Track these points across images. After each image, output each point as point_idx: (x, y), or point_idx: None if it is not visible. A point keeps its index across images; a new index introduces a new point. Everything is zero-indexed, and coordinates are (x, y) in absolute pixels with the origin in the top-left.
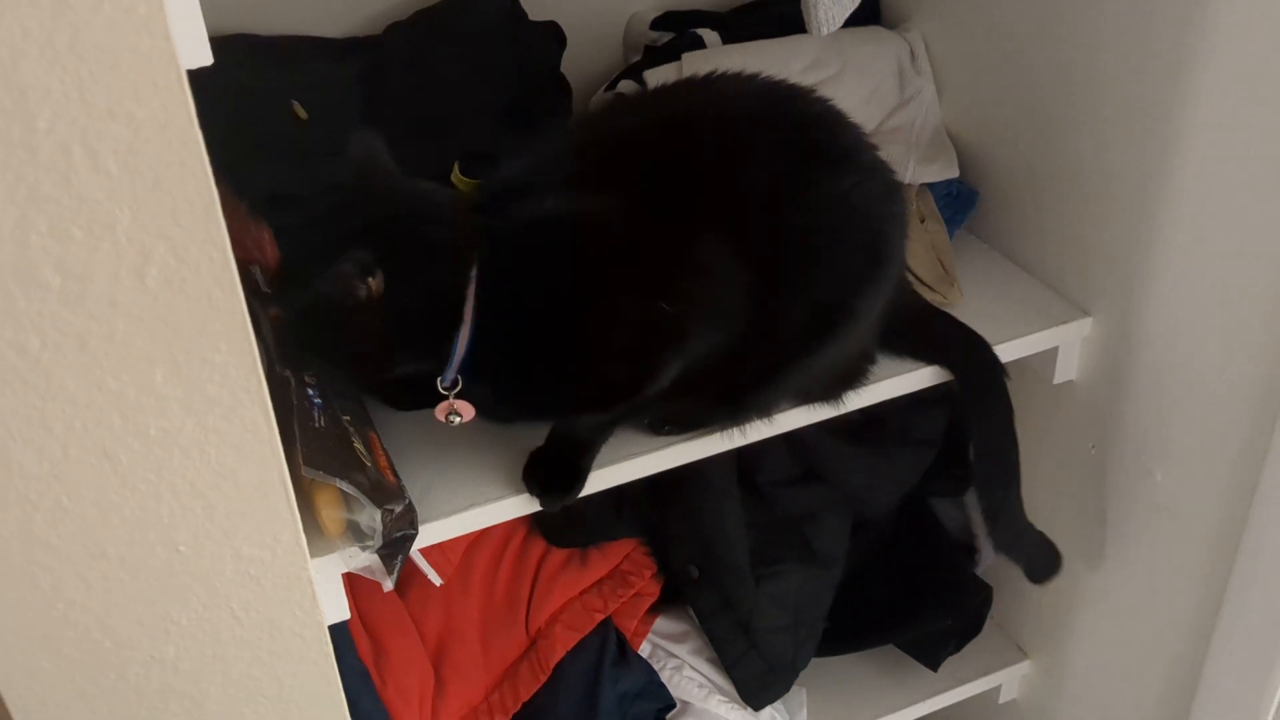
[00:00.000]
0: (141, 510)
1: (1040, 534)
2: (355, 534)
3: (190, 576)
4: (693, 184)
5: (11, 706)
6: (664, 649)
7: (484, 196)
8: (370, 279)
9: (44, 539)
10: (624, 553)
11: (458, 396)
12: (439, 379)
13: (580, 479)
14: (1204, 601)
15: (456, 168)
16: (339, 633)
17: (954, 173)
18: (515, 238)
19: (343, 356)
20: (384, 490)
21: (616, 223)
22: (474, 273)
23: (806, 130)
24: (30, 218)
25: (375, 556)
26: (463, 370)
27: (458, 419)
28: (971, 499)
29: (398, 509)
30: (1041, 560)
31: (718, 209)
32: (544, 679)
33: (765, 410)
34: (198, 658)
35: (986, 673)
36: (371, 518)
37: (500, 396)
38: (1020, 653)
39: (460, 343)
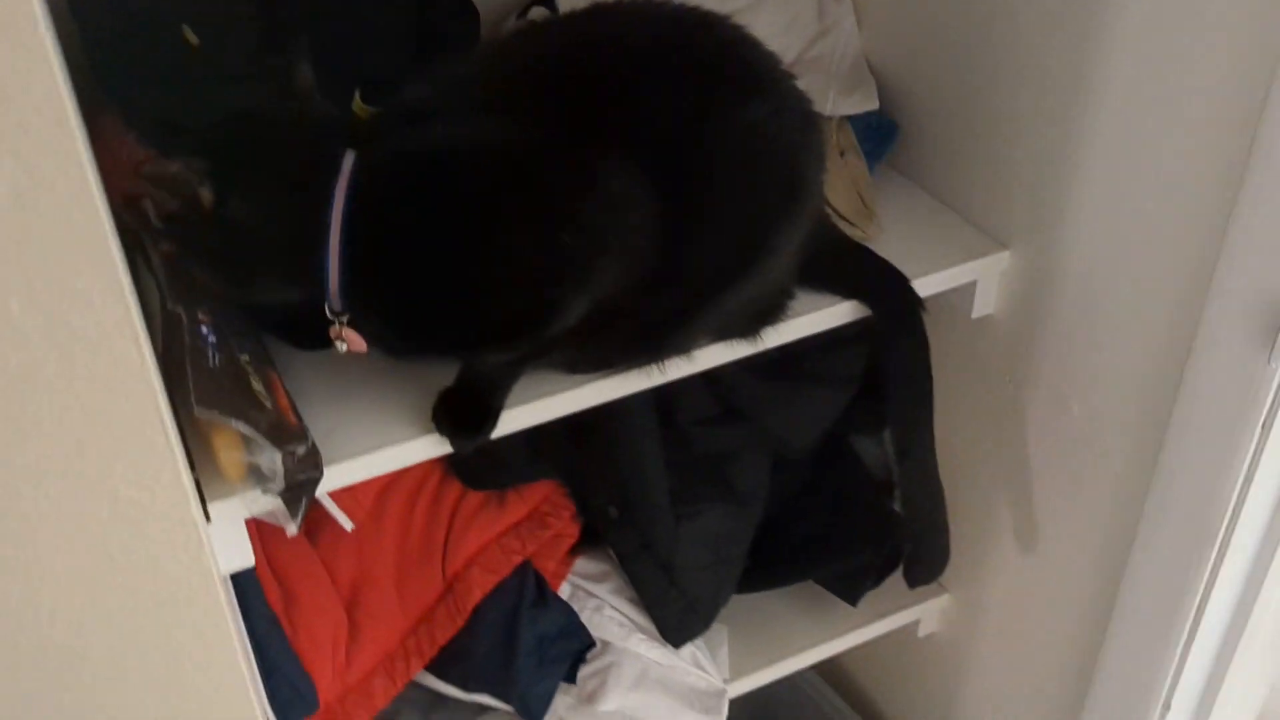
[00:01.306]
0: (4, 450)
1: (944, 517)
2: (256, 477)
3: (62, 521)
4: (600, 113)
5: None
6: (584, 589)
7: (381, 121)
8: (201, 189)
9: None
10: (542, 494)
11: (349, 326)
12: (326, 302)
13: (491, 419)
14: (1118, 532)
15: (358, 96)
16: (246, 579)
17: (874, 105)
18: (405, 158)
19: (210, 273)
20: (285, 431)
21: (518, 150)
22: (338, 194)
23: (720, 58)
24: None
25: (278, 500)
26: (347, 297)
27: (344, 345)
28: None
29: (300, 451)
30: (928, 555)
31: (626, 139)
32: (461, 622)
33: (683, 348)
34: (76, 606)
35: (905, 607)
36: (272, 460)
37: (393, 329)
38: (939, 587)
39: (331, 267)
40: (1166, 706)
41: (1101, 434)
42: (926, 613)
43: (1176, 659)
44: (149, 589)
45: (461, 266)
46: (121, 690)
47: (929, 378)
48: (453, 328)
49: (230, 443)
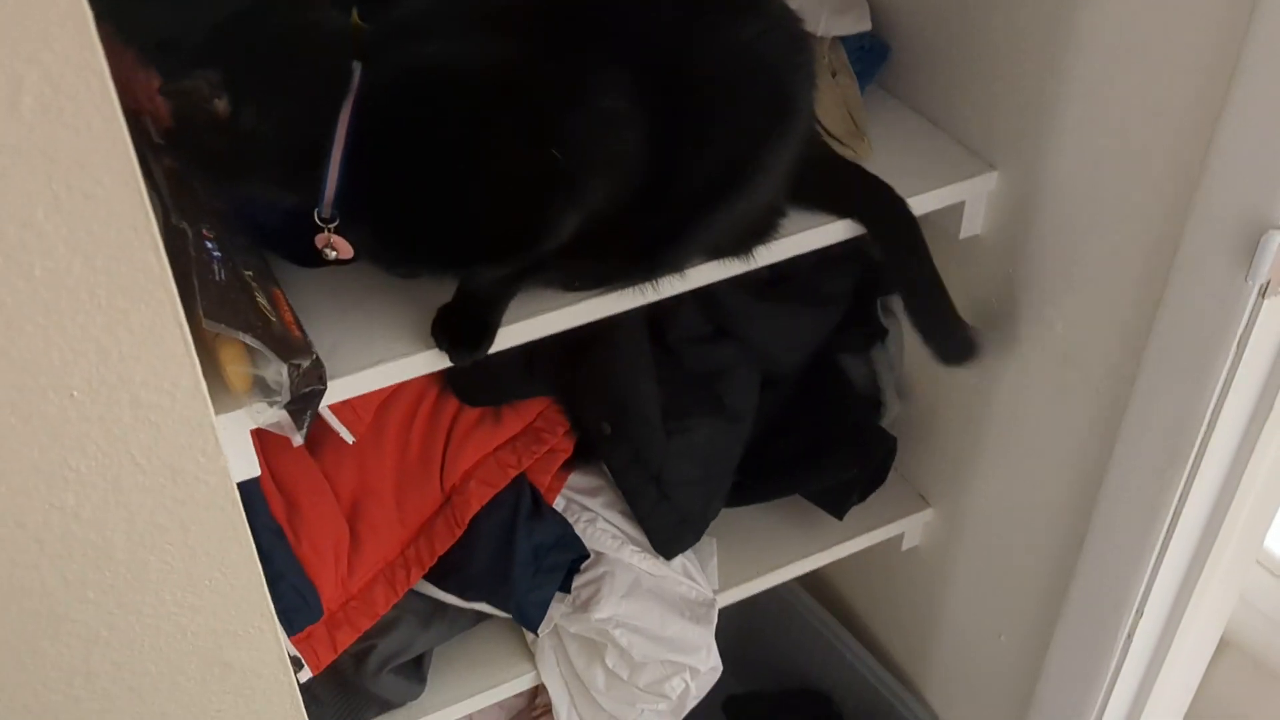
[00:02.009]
0: (30, 354)
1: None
2: (262, 389)
3: (86, 422)
4: (591, 30)
5: None
6: (578, 503)
7: (379, 34)
8: (217, 99)
9: None
10: (537, 410)
11: (336, 233)
12: (316, 209)
13: (489, 334)
14: (1097, 446)
15: (355, 13)
16: (251, 490)
17: (866, 26)
18: (403, 75)
19: (211, 177)
20: (290, 344)
21: (509, 65)
22: (346, 105)
23: None
24: None
25: (283, 412)
26: (341, 206)
27: (333, 254)
28: (878, 354)
29: (305, 364)
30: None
31: (616, 57)
32: (459, 533)
33: (676, 265)
34: (99, 505)
35: (890, 521)
36: (278, 372)
37: (390, 241)
38: (923, 501)
39: (330, 176)
40: (1139, 613)
41: (1084, 352)
42: (910, 526)
43: (1150, 568)
44: (169, 489)
45: (454, 181)
46: (142, 587)
47: (941, 283)
48: (446, 242)
49: (236, 355)
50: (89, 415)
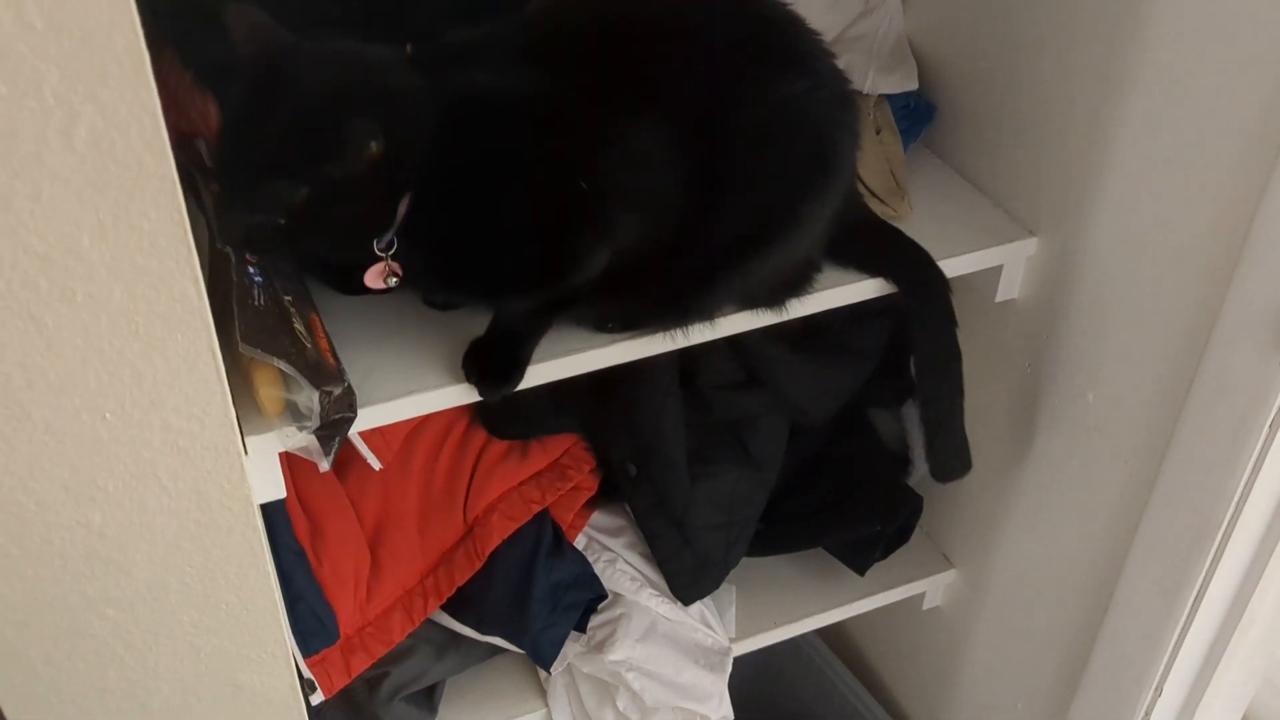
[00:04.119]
0: (68, 375)
1: (968, 450)
2: (293, 414)
3: (117, 444)
4: (637, 74)
5: None
6: (599, 542)
7: (419, 62)
8: (373, 144)
9: None
10: (563, 447)
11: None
12: (377, 241)
13: (519, 370)
14: (1124, 520)
15: (409, 51)
16: (276, 511)
17: (913, 85)
18: (446, 103)
19: (339, 236)
20: (323, 371)
21: (550, 100)
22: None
23: (763, 32)
24: None
25: (312, 437)
26: (400, 234)
27: (395, 280)
28: (908, 411)
29: (336, 391)
30: (952, 463)
31: (660, 101)
32: (479, 565)
33: (707, 313)
34: (124, 525)
35: (912, 580)
36: (309, 398)
37: (427, 268)
38: (946, 562)
39: (402, 208)
40: (1159, 691)
41: (1114, 423)
42: (932, 587)
43: (1171, 645)
44: (193, 513)
45: (490, 210)
46: (161, 608)
47: (958, 358)
48: (481, 270)
49: (270, 379)
50: (120, 438)
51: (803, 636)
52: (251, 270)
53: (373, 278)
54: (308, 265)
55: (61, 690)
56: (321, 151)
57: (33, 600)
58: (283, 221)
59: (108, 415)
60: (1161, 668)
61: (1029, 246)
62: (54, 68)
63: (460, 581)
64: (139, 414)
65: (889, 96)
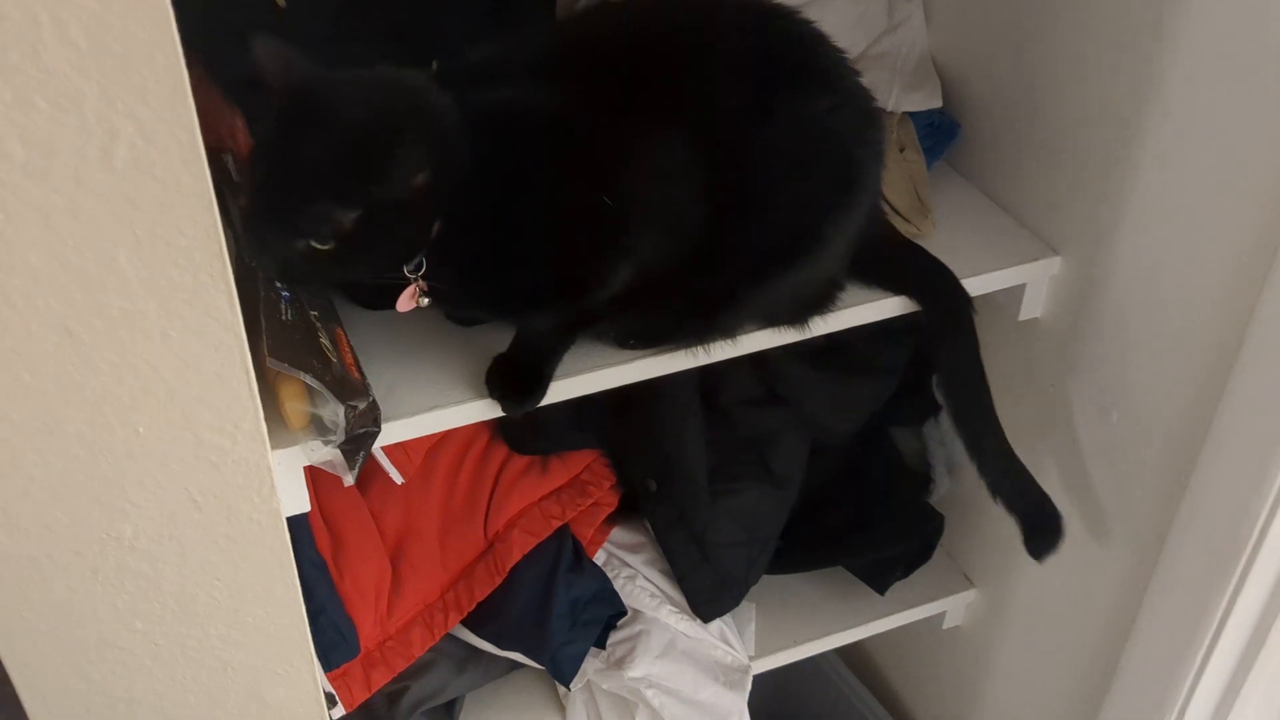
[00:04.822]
0: (102, 390)
1: (1037, 486)
2: (318, 428)
3: (149, 459)
4: (661, 91)
5: None
6: (619, 558)
7: (443, 78)
8: (422, 166)
9: (4, 413)
10: (584, 463)
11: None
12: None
13: (541, 386)
14: (1148, 540)
15: (434, 68)
16: (298, 525)
17: (937, 103)
18: (469, 118)
19: (383, 260)
20: (348, 386)
21: (574, 116)
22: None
23: (787, 50)
24: None
25: (337, 451)
26: (427, 254)
27: (426, 300)
28: (930, 429)
29: (361, 405)
30: (1040, 523)
31: (683, 118)
32: (499, 580)
33: (729, 331)
34: (154, 538)
35: (932, 599)
36: (335, 413)
37: (457, 285)
38: (966, 581)
39: (435, 228)
40: (1181, 716)
41: (1139, 444)
42: (952, 606)
43: (1195, 668)
44: (223, 528)
45: (513, 224)
46: (189, 621)
47: (982, 376)
48: (504, 285)
49: (296, 393)
50: (152, 451)
51: (821, 654)
52: (279, 285)
53: (405, 301)
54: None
55: (89, 702)
56: (374, 174)
57: (63, 612)
58: (328, 247)
59: (141, 429)
60: (1185, 693)
61: (1053, 265)
62: (94, 85)
63: (481, 596)
64: (172, 428)
65: (912, 114)
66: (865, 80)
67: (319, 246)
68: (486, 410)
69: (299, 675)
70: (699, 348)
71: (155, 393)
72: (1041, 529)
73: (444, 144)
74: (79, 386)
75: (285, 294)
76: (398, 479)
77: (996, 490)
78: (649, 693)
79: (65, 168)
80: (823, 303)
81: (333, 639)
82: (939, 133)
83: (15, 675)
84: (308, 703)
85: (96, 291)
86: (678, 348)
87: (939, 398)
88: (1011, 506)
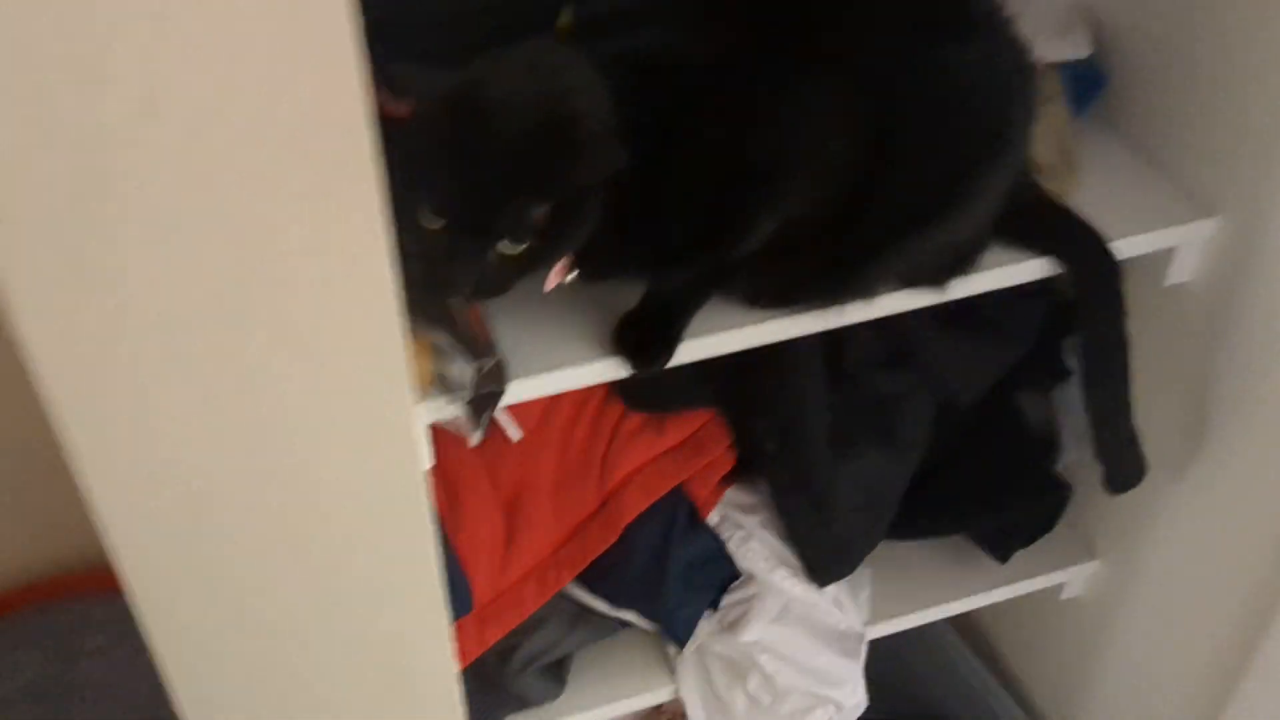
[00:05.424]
0: (256, 356)
1: (1140, 447)
2: (444, 386)
3: (303, 419)
4: (807, 34)
5: (115, 553)
6: (733, 519)
7: (581, 23)
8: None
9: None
10: (701, 422)
11: None
12: None
13: (672, 345)
14: None
15: (568, 15)
16: None
17: (1085, 51)
18: (608, 63)
19: (571, 247)
20: (476, 344)
21: (717, 59)
22: None
23: None
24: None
25: (463, 410)
26: None
27: (574, 274)
28: (1059, 394)
29: (489, 365)
30: (1127, 468)
31: (830, 64)
32: (613, 538)
33: (866, 290)
34: (299, 507)
35: (1052, 569)
36: (462, 371)
37: (596, 243)
38: (1089, 552)
39: None
40: None
41: None
42: (1074, 577)
43: None
44: (369, 492)
45: (653, 174)
46: (337, 579)
47: (1126, 347)
48: (644, 241)
49: (422, 351)
50: (308, 412)
51: (932, 622)
52: (407, 240)
53: (554, 278)
54: None
55: (234, 667)
56: (563, 162)
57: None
58: (523, 248)
59: (294, 394)
60: None
61: (1206, 228)
62: (265, 36)
63: (594, 554)
64: (325, 391)
65: (1059, 64)
66: (1019, 31)
67: (513, 250)
68: (614, 369)
69: (436, 636)
70: (832, 308)
71: (312, 356)
72: (1126, 475)
73: (605, 113)
74: (230, 352)
75: (411, 251)
76: (515, 435)
77: (1103, 455)
78: (762, 658)
79: (230, 129)
80: (964, 264)
81: (448, 595)
82: (1086, 83)
83: (156, 641)
84: (442, 663)
85: (256, 255)
86: (810, 308)
87: (1074, 363)
88: (1109, 466)
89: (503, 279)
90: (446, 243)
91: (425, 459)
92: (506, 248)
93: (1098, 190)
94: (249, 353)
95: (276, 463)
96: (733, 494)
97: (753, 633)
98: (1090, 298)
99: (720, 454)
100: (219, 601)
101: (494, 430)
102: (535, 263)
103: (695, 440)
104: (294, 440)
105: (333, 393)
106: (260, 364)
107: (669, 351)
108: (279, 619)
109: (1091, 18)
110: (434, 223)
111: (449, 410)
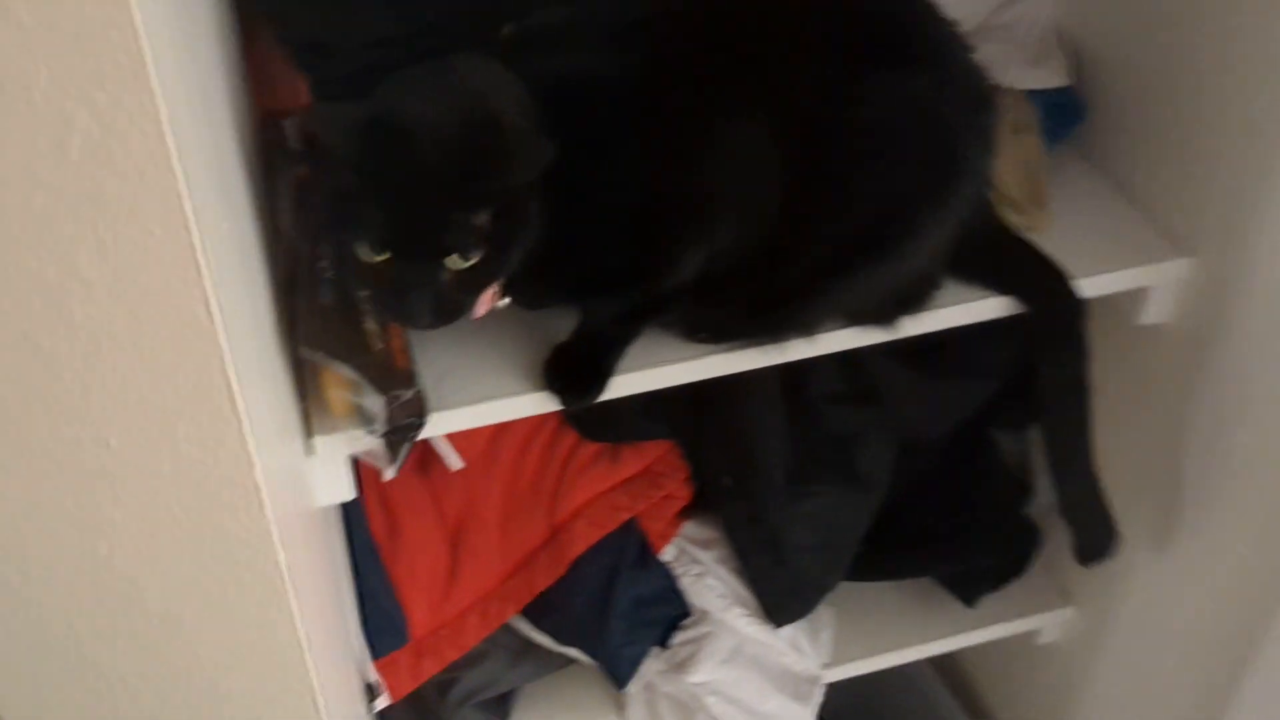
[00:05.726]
0: (68, 401)
1: (1106, 505)
2: (361, 417)
3: (124, 472)
4: (744, 62)
5: None
6: (690, 554)
7: (510, 42)
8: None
9: None
10: (657, 453)
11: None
12: None
13: (601, 381)
14: (1268, 572)
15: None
16: (351, 508)
17: (1060, 80)
18: (533, 86)
19: (514, 260)
20: (391, 375)
21: (648, 88)
22: None
23: (888, 22)
24: None
25: (379, 441)
26: None
27: (506, 300)
28: (1035, 434)
29: (404, 396)
30: (1096, 537)
31: (766, 92)
32: (561, 572)
33: (806, 327)
34: (133, 557)
35: (1024, 615)
36: (374, 403)
37: (525, 270)
38: (1063, 598)
39: None
40: None
41: (1265, 465)
42: (1048, 624)
43: None
44: (207, 546)
45: (578, 200)
46: (176, 641)
47: (1086, 393)
48: (572, 270)
49: (338, 381)
50: (127, 466)
51: (912, 663)
52: (320, 265)
53: (484, 304)
54: None
55: None
56: (490, 164)
57: (40, 631)
58: (471, 262)
59: (112, 443)
60: None
61: (1181, 268)
62: (43, 68)
63: (540, 588)
64: (147, 442)
65: (1035, 92)
66: (978, 55)
67: (463, 265)
68: (542, 403)
69: (299, 701)
70: (771, 345)
71: (127, 404)
72: (1096, 544)
73: (525, 108)
74: (42, 397)
75: (327, 276)
76: (455, 464)
77: (1068, 513)
78: (710, 700)
79: (15, 159)
80: (915, 300)
81: (381, 625)
82: (1064, 113)
83: None
84: None
85: (56, 296)
86: (750, 344)
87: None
88: (1077, 530)
89: (459, 299)
90: (394, 274)
91: (340, 490)
92: (456, 263)
93: (1071, 225)
94: (60, 396)
95: (99, 514)
96: (691, 528)
97: (702, 674)
98: (1048, 338)
99: (677, 487)
100: (52, 661)
101: (436, 459)
102: (489, 275)
103: (650, 473)
104: (118, 492)
105: (154, 446)
106: (73, 408)
107: (599, 386)
108: (122, 675)
109: (1072, 47)
110: (376, 256)
111: (366, 442)
